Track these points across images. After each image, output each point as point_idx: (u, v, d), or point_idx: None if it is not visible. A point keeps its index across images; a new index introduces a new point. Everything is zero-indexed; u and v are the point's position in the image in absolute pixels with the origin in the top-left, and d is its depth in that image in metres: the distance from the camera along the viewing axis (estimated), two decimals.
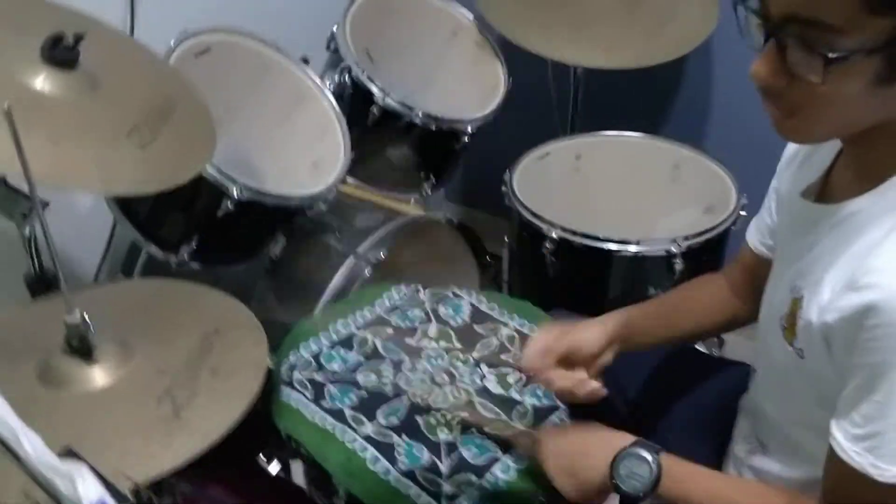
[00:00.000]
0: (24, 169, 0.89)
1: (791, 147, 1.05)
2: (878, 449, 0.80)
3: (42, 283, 1.26)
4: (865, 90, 0.77)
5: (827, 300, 0.85)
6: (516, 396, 1.24)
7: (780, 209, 1.07)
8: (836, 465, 0.83)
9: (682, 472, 0.96)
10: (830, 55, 0.75)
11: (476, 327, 1.37)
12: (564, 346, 1.10)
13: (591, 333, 1.11)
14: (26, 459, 0.54)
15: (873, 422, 0.80)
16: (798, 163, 1.02)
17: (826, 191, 0.94)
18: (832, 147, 0.95)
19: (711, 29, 1.76)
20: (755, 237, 1.15)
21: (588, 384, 1.09)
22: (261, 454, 1.35)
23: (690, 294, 1.24)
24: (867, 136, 0.84)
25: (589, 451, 1.02)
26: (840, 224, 0.87)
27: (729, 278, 1.21)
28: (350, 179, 1.72)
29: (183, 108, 1.23)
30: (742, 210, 1.59)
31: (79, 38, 1.12)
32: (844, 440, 0.83)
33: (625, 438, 1.00)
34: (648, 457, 0.95)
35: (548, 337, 1.12)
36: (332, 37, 1.67)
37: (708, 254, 1.60)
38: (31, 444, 0.55)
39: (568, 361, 1.10)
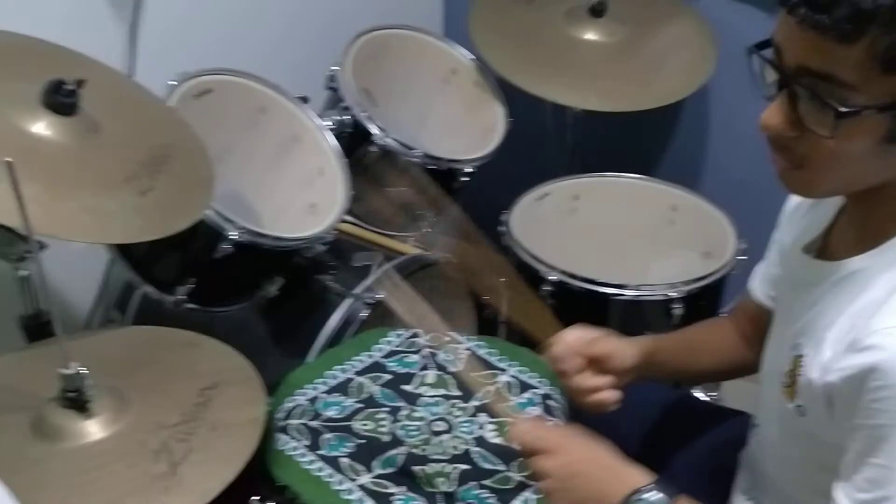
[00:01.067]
0: (25, 221, 0.88)
1: (793, 200, 1.05)
2: None
3: (37, 325, 1.25)
4: (874, 148, 0.78)
5: (829, 359, 0.84)
6: (516, 447, 1.23)
7: (782, 262, 1.07)
8: None
9: None
10: (841, 109, 0.75)
11: (475, 375, 1.36)
12: (604, 349, 1.09)
13: (626, 348, 1.11)
14: None
15: (879, 487, 0.79)
16: (800, 216, 1.03)
17: (827, 247, 0.94)
18: (835, 203, 0.95)
19: (709, 74, 1.78)
20: (761, 289, 1.15)
21: (607, 392, 1.08)
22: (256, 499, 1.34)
23: (708, 332, 1.24)
24: (871, 194, 0.84)
25: (603, 488, 0.94)
26: (841, 282, 0.87)
27: (736, 325, 1.21)
28: (348, 218, 1.71)
29: (182, 153, 1.22)
30: (740, 255, 1.59)
31: (80, 84, 1.12)
32: None
33: (635, 476, 0.94)
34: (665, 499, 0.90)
35: (586, 334, 1.11)
36: (332, 76, 1.68)
37: (706, 299, 1.60)
38: None
39: (597, 366, 1.10)
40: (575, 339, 1.10)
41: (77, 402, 0.95)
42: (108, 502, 0.89)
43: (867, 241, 0.86)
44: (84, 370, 0.93)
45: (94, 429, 0.95)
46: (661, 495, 0.90)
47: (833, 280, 0.88)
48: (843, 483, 0.83)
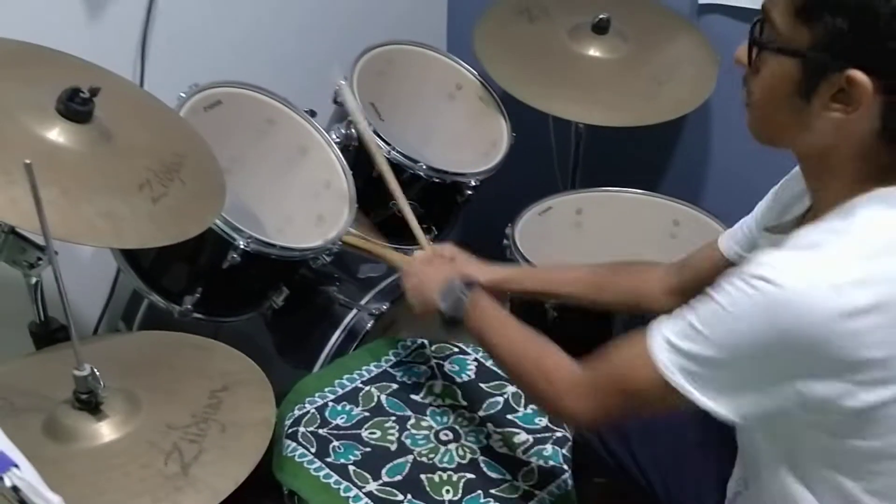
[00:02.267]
0: (42, 224, 0.89)
1: (783, 187, 1.10)
2: (679, 361, 0.86)
3: (47, 332, 1.25)
4: (789, 99, 0.85)
5: None
6: (522, 457, 1.23)
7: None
8: (637, 348, 0.89)
9: (490, 309, 1.15)
10: (756, 38, 0.85)
11: (482, 385, 1.37)
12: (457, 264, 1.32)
13: (478, 273, 1.31)
14: None
15: (686, 339, 0.85)
16: (778, 204, 1.07)
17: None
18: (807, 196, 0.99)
19: (710, 90, 1.79)
20: (727, 244, 1.19)
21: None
22: None
23: (618, 276, 1.33)
24: (817, 171, 0.90)
25: (432, 278, 1.27)
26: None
27: (661, 273, 1.28)
28: (353, 230, 1.72)
29: (193, 162, 1.23)
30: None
31: (95, 92, 1.13)
32: (662, 341, 0.87)
33: (457, 272, 1.27)
34: (462, 289, 1.20)
35: (444, 249, 1.37)
36: (339, 90, 1.69)
37: None
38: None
39: None
40: (431, 251, 1.39)
41: (89, 403, 0.95)
42: (122, 502, 0.89)
43: (812, 217, 0.91)
44: (97, 372, 0.94)
45: (106, 430, 0.96)
46: (460, 285, 1.22)
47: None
48: (668, 320, 0.89)
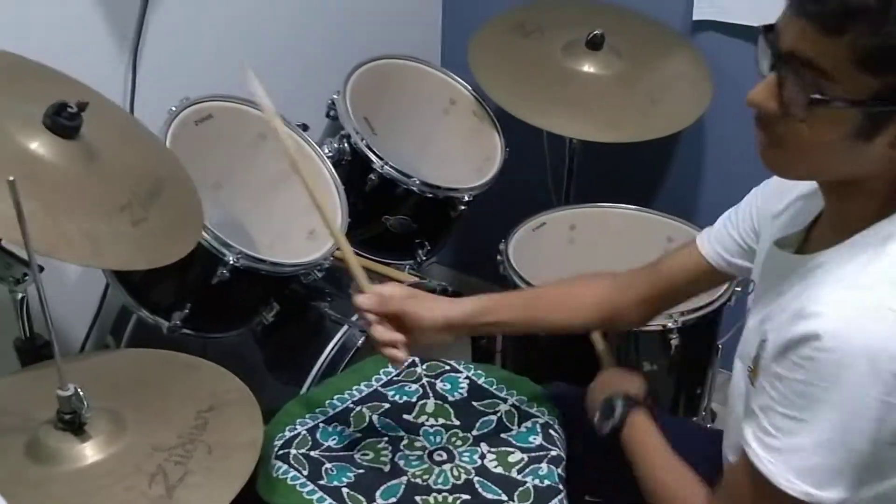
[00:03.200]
0: (25, 238, 0.87)
1: (778, 186, 1.08)
2: (794, 463, 0.84)
3: (32, 348, 1.23)
4: (843, 141, 0.82)
5: (778, 333, 0.88)
6: (517, 476, 1.21)
7: (758, 251, 1.10)
8: (744, 468, 0.89)
9: (641, 431, 1.12)
10: (814, 96, 0.80)
11: (475, 403, 1.35)
12: (398, 307, 1.15)
13: (433, 311, 1.17)
14: None
15: (792, 436, 0.84)
16: (780, 208, 1.06)
17: (805, 244, 0.98)
18: (818, 204, 0.98)
19: (705, 107, 1.79)
20: (710, 247, 1.18)
21: (395, 350, 1.14)
22: None
23: (568, 289, 1.30)
24: (844, 190, 0.89)
25: (605, 384, 1.23)
26: (807, 274, 0.91)
27: (629, 281, 1.25)
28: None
29: (174, 190, 1.22)
30: (738, 286, 1.59)
31: (82, 107, 1.12)
32: (760, 448, 0.87)
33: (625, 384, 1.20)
34: (620, 404, 1.15)
35: (395, 291, 1.17)
36: (332, 104, 1.68)
37: (703, 329, 1.60)
38: None
39: (400, 322, 1.15)
40: (377, 294, 1.16)
41: (73, 424, 0.93)
42: None
43: (837, 236, 0.89)
44: (81, 391, 0.91)
45: (89, 451, 0.93)
46: (620, 400, 1.17)
47: (801, 273, 0.91)
48: (751, 422, 0.88)
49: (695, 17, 1.86)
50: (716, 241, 1.18)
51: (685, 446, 1.27)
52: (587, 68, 1.81)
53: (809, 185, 0.99)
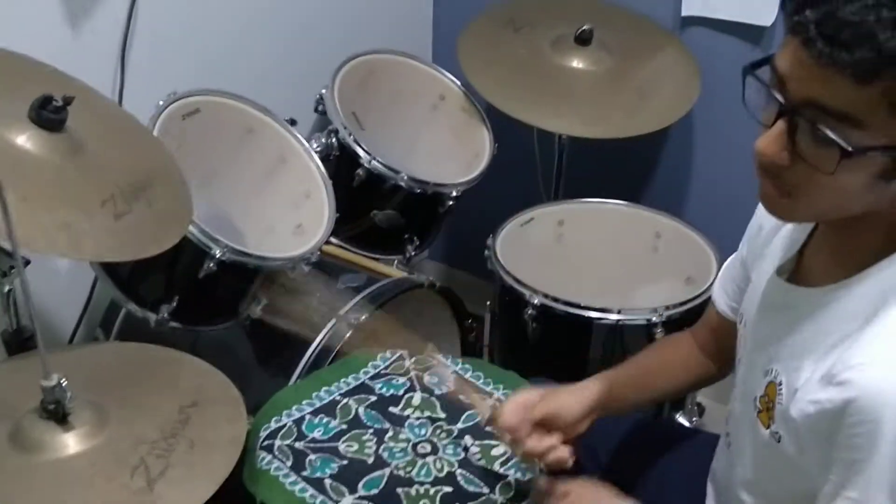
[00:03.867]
0: (9, 230, 0.88)
1: (759, 217, 1.05)
2: None
3: (19, 340, 1.24)
4: (867, 183, 0.78)
5: (807, 390, 0.85)
6: (499, 470, 1.22)
7: (750, 282, 1.06)
8: None
9: None
10: (849, 149, 0.74)
11: (461, 397, 1.36)
12: (545, 409, 1.09)
13: (572, 401, 1.11)
14: None
15: None
16: (766, 235, 1.02)
17: (801, 271, 0.94)
18: (807, 226, 0.95)
19: (694, 101, 1.80)
20: (723, 301, 1.16)
21: (559, 451, 1.08)
22: None
23: (661, 355, 1.25)
24: (851, 223, 0.84)
25: None
26: (818, 311, 0.87)
27: (697, 338, 1.23)
28: (334, 240, 1.71)
29: (162, 184, 1.23)
30: None
31: (68, 101, 1.12)
32: None
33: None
34: None
35: (529, 397, 1.11)
36: (321, 99, 1.69)
37: (688, 324, 1.57)
38: None
39: (545, 425, 1.10)
40: (516, 407, 1.10)
41: (56, 413, 0.94)
42: None
43: (844, 268, 0.86)
44: (65, 382, 0.92)
45: (72, 441, 0.94)
46: None
47: (810, 308, 0.88)
48: None
49: (683, 13, 1.86)
50: (724, 294, 1.15)
51: (666, 448, 1.29)
52: (576, 64, 1.82)
53: None
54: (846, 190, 0.79)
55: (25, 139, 1.11)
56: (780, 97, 0.78)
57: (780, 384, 0.89)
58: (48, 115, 1.12)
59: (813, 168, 0.77)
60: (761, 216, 1.05)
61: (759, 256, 1.02)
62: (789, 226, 0.98)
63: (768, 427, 0.91)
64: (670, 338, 1.28)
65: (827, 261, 0.90)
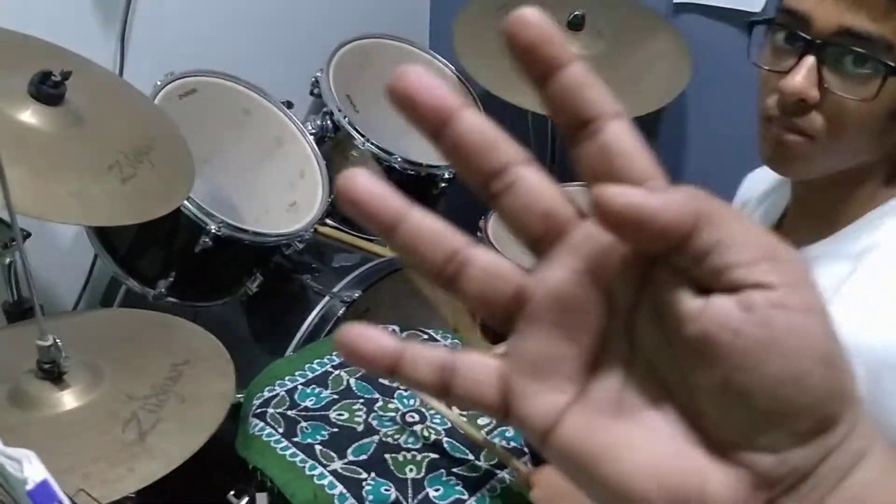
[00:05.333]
0: (7, 200, 0.91)
1: (740, 198, 1.07)
2: None
3: (20, 311, 1.28)
4: (881, 122, 0.78)
5: None
6: (486, 437, 1.25)
7: None
8: None
9: None
10: (893, 64, 0.74)
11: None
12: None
13: None
14: None
15: None
16: (748, 211, 1.03)
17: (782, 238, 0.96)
18: (780, 200, 0.96)
19: (685, 84, 1.82)
20: None
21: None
22: (231, 493, 1.35)
23: None
24: (829, 183, 0.85)
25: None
26: None
27: None
28: (329, 221, 1.75)
29: (164, 146, 1.26)
30: None
31: (66, 76, 1.16)
32: None
33: None
34: None
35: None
36: (316, 82, 1.72)
37: None
38: None
39: None
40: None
41: (52, 373, 0.97)
42: (79, 466, 0.91)
43: (822, 230, 0.87)
44: (60, 342, 0.96)
45: (68, 399, 0.98)
46: None
47: None
48: None
49: (675, 0, 1.89)
50: None
51: None
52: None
53: (777, 181, 0.97)
54: (868, 125, 0.78)
55: (29, 115, 1.15)
56: (805, 33, 0.78)
57: None
58: (47, 89, 1.16)
59: (844, 101, 0.77)
60: (745, 190, 1.07)
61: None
62: (765, 203, 1.00)
63: None
64: None
65: (807, 227, 0.90)
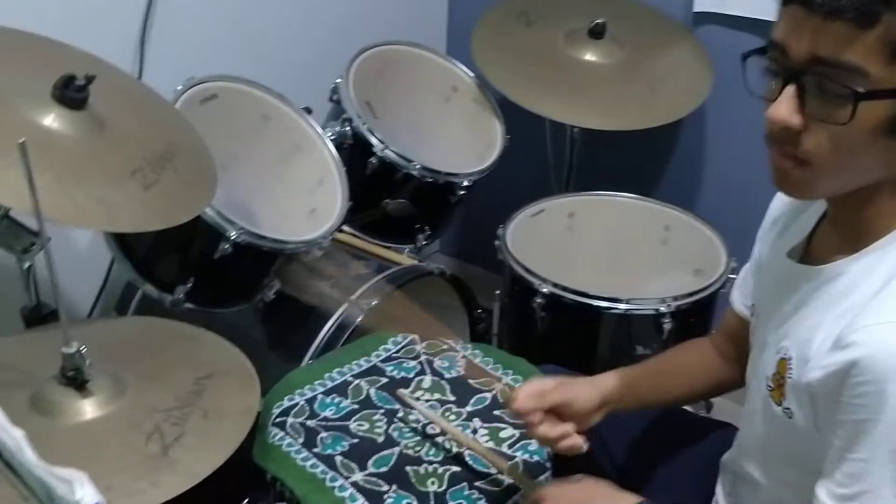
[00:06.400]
0: (35, 204, 0.90)
1: (773, 212, 1.07)
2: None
3: (39, 316, 1.27)
4: (874, 141, 0.79)
5: (814, 359, 0.86)
6: (507, 451, 1.24)
7: (762, 271, 1.08)
8: None
9: None
10: (860, 90, 0.76)
11: (471, 381, 1.38)
12: (559, 397, 1.10)
13: (587, 391, 1.12)
14: (27, 465, 0.55)
15: (858, 481, 0.81)
16: (780, 228, 1.04)
17: (810, 252, 0.96)
18: (817, 210, 0.97)
19: (705, 95, 1.81)
20: (739, 300, 1.16)
21: (572, 438, 1.09)
22: (246, 502, 1.34)
23: (680, 358, 1.25)
24: (854, 198, 0.86)
25: None
26: (825, 284, 0.88)
27: (715, 343, 1.23)
28: (346, 228, 1.74)
29: (186, 152, 1.25)
30: (732, 273, 1.61)
31: (90, 80, 1.15)
32: (829, 500, 0.83)
33: (629, 499, 1.03)
34: None
35: (544, 384, 1.12)
36: (336, 89, 1.71)
37: (696, 315, 1.61)
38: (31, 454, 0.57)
39: (558, 413, 1.11)
40: (530, 393, 1.10)
41: (76, 380, 0.96)
42: (102, 477, 0.89)
43: (851, 243, 0.87)
44: (84, 349, 0.95)
45: (90, 408, 0.97)
46: None
47: (817, 283, 0.89)
48: (825, 479, 0.84)
49: (696, 9, 1.88)
50: (741, 294, 1.16)
51: (679, 436, 1.29)
52: (589, 57, 1.84)
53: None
54: (856, 148, 0.80)
55: (52, 119, 1.13)
56: (783, 64, 0.80)
57: (790, 359, 0.90)
58: (71, 94, 1.15)
59: (826, 126, 0.79)
60: (774, 210, 1.07)
61: (773, 248, 1.04)
62: (800, 213, 1.00)
63: (780, 404, 0.91)
64: (691, 342, 1.27)
65: (836, 238, 0.91)
